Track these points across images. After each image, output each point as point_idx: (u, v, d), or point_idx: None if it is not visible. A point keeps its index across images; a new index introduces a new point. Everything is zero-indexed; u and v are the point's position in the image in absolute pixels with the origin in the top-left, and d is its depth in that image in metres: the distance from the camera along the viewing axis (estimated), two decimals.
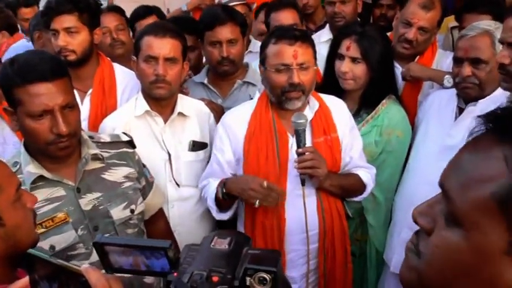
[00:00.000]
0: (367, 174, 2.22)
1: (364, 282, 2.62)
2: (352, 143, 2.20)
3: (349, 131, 2.19)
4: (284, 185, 2.08)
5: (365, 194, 2.25)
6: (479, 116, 0.67)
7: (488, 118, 0.67)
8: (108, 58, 2.66)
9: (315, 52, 2.09)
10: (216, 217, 2.21)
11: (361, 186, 2.21)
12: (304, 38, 2.04)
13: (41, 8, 3.63)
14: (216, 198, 2.11)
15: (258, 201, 1.95)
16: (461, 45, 2.18)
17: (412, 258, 0.74)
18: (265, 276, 0.77)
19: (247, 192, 1.97)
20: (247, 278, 0.78)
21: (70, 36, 2.41)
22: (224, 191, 2.06)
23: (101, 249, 0.82)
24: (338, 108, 2.20)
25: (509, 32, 1.65)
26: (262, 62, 2.09)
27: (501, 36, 1.72)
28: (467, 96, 2.21)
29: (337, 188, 2.13)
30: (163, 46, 2.15)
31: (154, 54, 2.14)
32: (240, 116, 2.18)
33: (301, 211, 2.04)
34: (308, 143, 2.05)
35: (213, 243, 0.86)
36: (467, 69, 2.14)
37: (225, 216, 2.17)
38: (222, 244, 0.85)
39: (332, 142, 2.12)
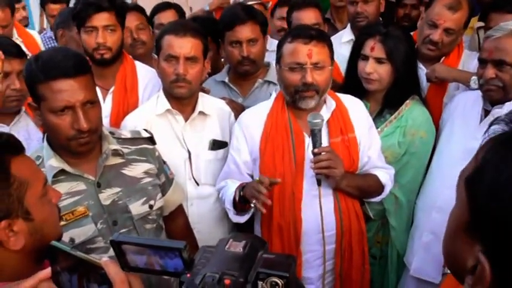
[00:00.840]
0: (385, 175, 2.20)
1: (385, 285, 2.59)
2: (371, 142, 2.18)
3: (367, 131, 2.17)
4: (300, 185, 2.08)
5: (383, 195, 2.23)
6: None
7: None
8: (131, 56, 2.68)
9: (331, 52, 2.08)
10: (233, 219, 2.21)
11: (379, 187, 2.19)
12: (320, 37, 2.03)
13: (71, 5, 3.69)
14: (234, 201, 2.11)
15: (253, 202, 1.91)
16: (486, 46, 2.14)
17: None
18: (277, 281, 0.77)
19: (258, 195, 1.92)
20: (259, 282, 0.77)
21: (108, 33, 2.44)
22: (241, 194, 2.05)
23: (117, 247, 0.83)
24: (355, 108, 2.18)
25: None
26: (278, 60, 2.09)
27: None
28: (490, 98, 2.17)
29: (354, 188, 2.12)
30: (183, 45, 2.16)
31: (175, 54, 2.15)
32: (257, 115, 2.18)
33: (317, 211, 2.03)
34: (325, 143, 2.04)
35: (227, 246, 0.85)
36: (490, 71, 2.09)
37: (241, 219, 2.17)
38: (237, 247, 0.85)
39: (349, 142, 2.11)
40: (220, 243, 0.87)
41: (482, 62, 2.15)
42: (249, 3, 3.37)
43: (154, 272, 0.84)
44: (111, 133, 1.83)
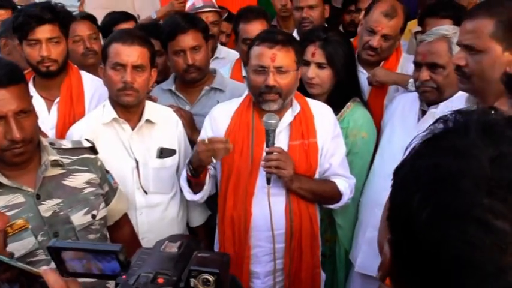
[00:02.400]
0: (344, 183, 2.24)
1: (335, 282, 2.66)
2: (334, 150, 2.22)
3: (332, 138, 2.22)
4: (254, 181, 2.13)
5: (341, 203, 2.27)
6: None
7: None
8: (76, 66, 2.66)
9: (298, 57, 2.13)
10: (188, 198, 2.26)
11: (336, 194, 2.23)
12: (286, 42, 2.08)
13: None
14: (188, 178, 2.17)
15: (212, 157, 2.00)
16: (420, 50, 2.25)
17: None
18: (208, 277, 0.79)
19: (199, 156, 2.01)
20: (192, 280, 0.79)
21: (53, 46, 2.40)
22: (191, 167, 2.11)
23: (55, 253, 0.83)
24: (323, 115, 2.23)
25: (466, 34, 1.70)
26: (246, 63, 2.16)
27: (458, 39, 1.78)
28: (426, 99, 2.27)
29: (307, 191, 2.16)
30: (131, 53, 2.16)
31: (122, 62, 2.15)
32: (226, 110, 2.24)
33: (267, 209, 2.09)
34: (284, 144, 2.11)
35: (163, 247, 0.87)
36: (425, 74, 2.20)
37: (196, 197, 2.22)
38: (172, 248, 0.87)
39: (309, 147, 2.15)
40: (156, 244, 0.88)
41: (417, 65, 2.26)
42: (204, 10, 3.36)
43: (93, 276, 0.85)
44: (51, 144, 1.80)
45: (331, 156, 2.22)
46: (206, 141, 2.00)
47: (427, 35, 2.25)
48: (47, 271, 0.77)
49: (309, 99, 2.26)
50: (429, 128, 0.71)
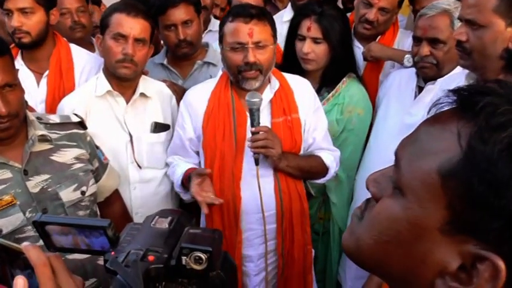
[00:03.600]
0: (330, 157, 2.21)
1: (328, 261, 2.66)
2: (316, 124, 2.18)
3: (313, 112, 2.17)
4: (240, 164, 2.08)
5: (328, 177, 2.24)
6: (449, 90, 0.67)
7: (455, 93, 0.66)
8: (65, 39, 2.59)
9: (274, 30, 2.06)
10: (184, 197, 2.23)
11: (322, 169, 2.20)
12: (261, 15, 2.00)
13: None
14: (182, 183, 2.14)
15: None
16: (420, 24, 2.19)
17: (354, 222, 0.74)
18: (200, 255, 0.76)
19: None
20: (183, 257, 0.77)
21: (25, 16, 2.33)
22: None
23: (41, 228, 0.81)
24: (302, 89, 2.18)
25: (467, 8, 1.66)
26: (220, 40, 2.07)
27: (460, 13, 1.74)
28: (425, 75, 2.23)
29: (295, 169, 2.11)
30: (134, 26, 2.12)
31: (125, 33, 2.10)
32: (201, 93, 2.16)
33: (256, 191, 2.03)
34: (267, 122, 2.05)
35: (153, 223, 0.84)
36: (425, 49, 2.15)
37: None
38: (163, 223, 0.84)
39: (292, 123, 2.10)
40: (146, 219, 0.86)
41: (417, 40, 2.21)
42: None
43: (81, 251, 0.83)
44: (38, 118, 1.77)
45: (314, 131, 2.18)
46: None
47: (428, 8, 2.19)
48: (29, 247, 0.75)
49: (286, 74, 2.20)
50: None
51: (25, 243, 0.76)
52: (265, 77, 2.05)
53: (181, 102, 2.22)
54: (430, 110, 0.68)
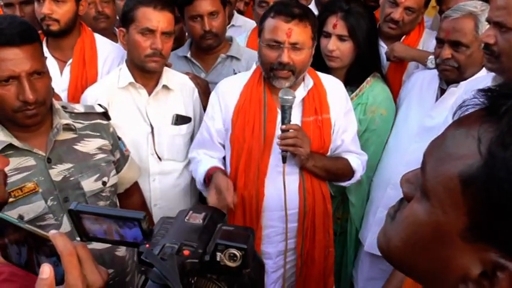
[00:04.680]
0: (357, 160, 2.19)
1: (344, 260, 2.65)
2: (346, 126, 2.16)
3: (344, 114, 2.15)
4: (267, 160, 2.07)
5: (353, 180, 2.22)
6: (478, 90, 0.64)
7: (484, 93, 0.63)
8: (90, 29, 2.61)
9: (314, 32, 2.03)
10: (206, 195, 2.20)
11: (348, 172, 2.18)
12: (303, 16, 1.96)
13: None
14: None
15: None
16: (444, 26, 2.16)
17: (387, 222, 0.74)
18: (235, 252, 0.77)
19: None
20: (218, 254, 0.77)
21: (56, 4, 2.35)
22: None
23: (75, 217, 0.81)
24: (335, 90, 2.16)
25: (497, 11, 1.63)
26: (259, 34, 2.06)
27: (488, 15, 1.71)
28: (446, 78, 2.21)
29: (321, 169, 2.10)
30: (161, 19, 2.12)
31: (153, 28, 2.11)
32: (234, 85, 2.15)
33: (280, 188, 2.02)
34: (297, 121, 2.04)
35: (187, 218, 0.85)
36: (447, 52, 2.12)
37: None
38: (197, 219, 0.84)
39: (322, 123, 2.08)
40: (180, 214, 0.86)
41: (440, 42, 2.18)
42: None
43: (113, 242, 0.83)
44: (64, 107, 1.77)
45: (344, 133, 2.16)
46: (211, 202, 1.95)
47: (452, 10, 2.16)
48: (56, 235, 0.75)
49: (320, 74, 2.18)
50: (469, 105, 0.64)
51: (53, 231, 0.76)
52: (297, 78, 2.03)
53: (213, 92, 2.21)
54: (455, 112, 0.67)
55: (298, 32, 1.95)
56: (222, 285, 0.81)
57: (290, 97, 1.92)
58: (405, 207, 0.70)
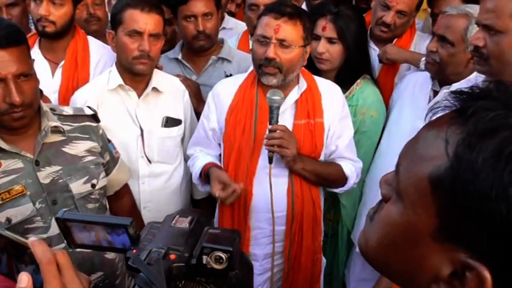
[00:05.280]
0: (350, 167, 2.17)
1: (335, 262, 2.65)
2: (341, 132, 2.14)
3: (339, 120, 2.13)
4: (256, 159, 2.07)
5: (346, 187, 2.20)
6: (451, 92, 0.65)
7: (455, 95, 0.64)
8: (83, 31, 2.60)
9: (306, 32, 2.02)
10: (201, 189, 2.25)
11: (341, 178, 2.16)
12: (294, 15, 1.97)
13: None
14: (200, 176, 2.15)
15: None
16: (439, 20, 2.19)
17: (366, 223, 0.75)
18: (221, 255, 0.78)
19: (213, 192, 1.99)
20: (204, 257, 0.78)
21: (54, 6, 2.34)
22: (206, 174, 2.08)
23: (63, 224, 0.81)
24: (331, 94, 2.14)
25: (485, 13, 1.64)
26: (253, 33, 2.07)
27: (477, 18, 1.72)
28: (428, 71, 2.23)
29: (311, 173, 2.08)
30: (148, 21, 2.11)
31: (140, 30, 2.10)
32: (229, 86, 2.16)
33: (268, 190, 2.01)
34: (289, 123, 2.04)
35: (174, 222, 0.86)
36: (433, 44, 2.15)
37: (208, 187, 2.15)
38: (183, 223, 0.85)
39: (315, 127, 2.07)
40: (166, 218, 0.87)
41: (433, 36, 2.21)
42: None
43: (102, 249, 0.83)
44: (52, 109, 1.77)
45: (338, 138, 2.14)
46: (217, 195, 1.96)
47: (451, 8, 2.18)
48: (35, 242, 0.74)
49: (316, 77, 2.17)
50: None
51: (32, 239, 0.75)
52: (286, 77, 2.01)
53: (210, 93, 2.23)
54: (427, 115, 0.68)
55: (286, 29, 1.95)
56: (211, 287, 0.82)
57: (277, 97, 1.92)
58: (382, 208, 0.71)
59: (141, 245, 0.80)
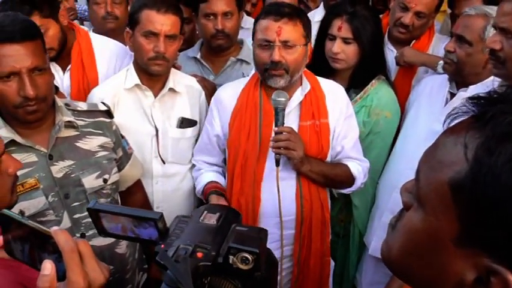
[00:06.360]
0: (358, 167, 2.15)
1: (346, 263, 2.63)
2: (346, 132, 2.13)
3: (344, 120, 2.12)
4: (263, 164, 2.06)
5: (354, 188, 2.19)
6: (468, 98, 0.65)
7: (473, 101, 0.64)
8: (85, 29, 2.56)
9: (307, 31, 2.01)
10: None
11: (348, 178, 2.14)
12: (293, 14, 1.95)
13: None
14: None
15: None
16: (458, 20, 2.18)
17: (388, 232, 0.75)
18: (247, 256, 0.78)
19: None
20: (231, 257, 0.78)
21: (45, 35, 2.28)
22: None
23: (94, 214, 0.83)
24: (335, 94, 2.13)
25: (502, 16, 1.63)
26: (253, 37, 2.05)
27: (494, 20, 1.71)
28: (445, 71, 2.21)
29: (318, 175, 2.07)
30: (164, 22, 2.10)
31: (156, 31, 2.09)
32: (232, 91, 2.15)
33: (276, 194, 1.99)
34: (294, 125, 2.02)
35: (202, 218, 0.86)
36: (451, 44, 2.14)
37: None
38: (211, 219, 0.85)
39: (320, 128, 2.06)
40: (195, 214, 0.87)
41: (452, 35, 2.21)
42: None
43: (129, 239, 0.86)
44: (66, 105, 1.79)
45: (344, 139, 2.12)
46: None
47: (470, 8, 2.17)
48: (58, 232, 0.76)
49: (320, 78, 2.16)
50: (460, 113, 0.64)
51: (54, 228, 0.77)
52: (292, 77, 2.00)
53: (212, 98, 2.21)
54: (445, 121, 0.68)
55: (288, 30, 1.94)
56: (236, 283, 0.82)
57: (282, 99, 1.90)
58: (404, 216, 0.71)
59: (169, 240, 0.80)
